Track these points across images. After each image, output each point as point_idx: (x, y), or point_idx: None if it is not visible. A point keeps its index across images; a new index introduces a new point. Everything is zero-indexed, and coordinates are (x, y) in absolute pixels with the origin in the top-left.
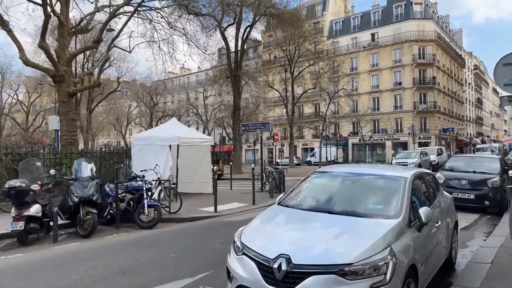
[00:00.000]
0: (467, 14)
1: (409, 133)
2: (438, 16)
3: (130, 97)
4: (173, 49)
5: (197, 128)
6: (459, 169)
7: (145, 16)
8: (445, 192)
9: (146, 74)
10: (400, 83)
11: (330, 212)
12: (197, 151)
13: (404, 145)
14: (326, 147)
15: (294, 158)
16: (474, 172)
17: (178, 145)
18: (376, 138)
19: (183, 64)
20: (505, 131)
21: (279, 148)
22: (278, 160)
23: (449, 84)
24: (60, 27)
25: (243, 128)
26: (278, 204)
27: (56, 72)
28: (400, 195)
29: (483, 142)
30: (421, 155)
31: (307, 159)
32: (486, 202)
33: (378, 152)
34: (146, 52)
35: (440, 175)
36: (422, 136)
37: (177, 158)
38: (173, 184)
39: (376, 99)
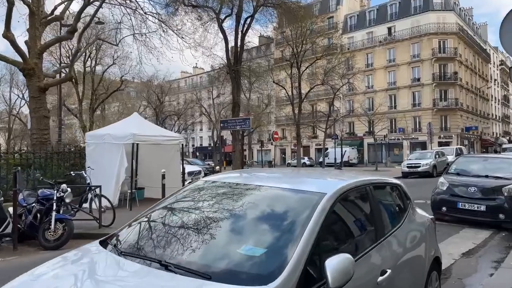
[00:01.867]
0: (494, 11)
1: (427, 132)
2: (460, 8)
3: (143, 97)
4: (147, 35)
5: (209, 128)
6: (468, 173)
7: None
8: (420, 212)
9: (152, 72)
10: (418, 79)
11: (161, 264)
12: (166, 152)
13: (423, 145)
14: (335, 148)
15: (307, 159)
16: (487, 176)
17: (134, 144)
18: (393, 137)
19: (196, 64)
20: None
21: (291, 149)
22: (290, 161)
23: (473, 80)
24: (30, 16)
25: (221, 125)
26: (100, 242)
27: (25, 65)
28: (298, 230)
29: (510, 141)
30: (437, 156)
31: (320, 160)
32: (501, 216)
33: (395, 153)
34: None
35: (443, 181)
36: (442, 136)
37: (132, 159)
38: (134, 189)
39: (392, 96)
